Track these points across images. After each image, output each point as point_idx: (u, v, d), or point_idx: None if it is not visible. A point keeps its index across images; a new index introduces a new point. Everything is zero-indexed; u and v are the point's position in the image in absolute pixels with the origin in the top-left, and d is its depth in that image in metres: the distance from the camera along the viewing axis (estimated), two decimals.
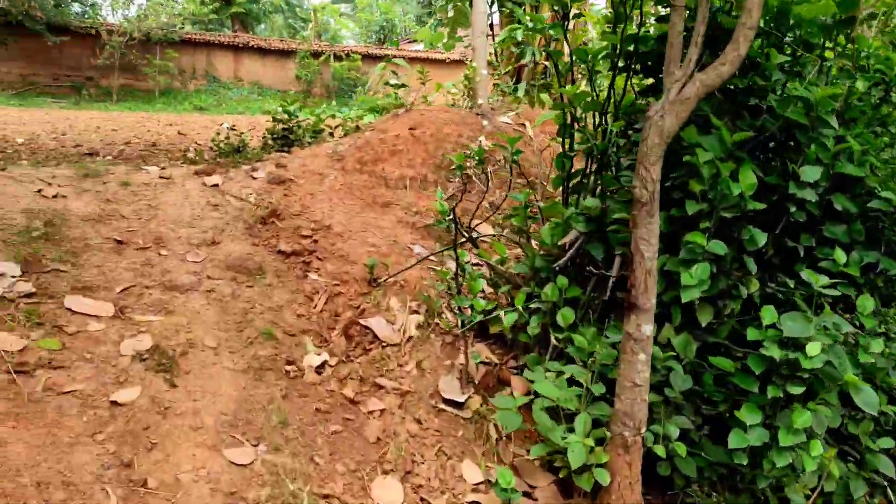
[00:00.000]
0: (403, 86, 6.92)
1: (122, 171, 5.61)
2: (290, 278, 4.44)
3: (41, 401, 3.05)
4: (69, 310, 3.70)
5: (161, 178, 5.48)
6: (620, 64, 3.76)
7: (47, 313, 3.62)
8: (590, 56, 3.79)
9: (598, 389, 2.97)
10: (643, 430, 2.78)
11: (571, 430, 2.91)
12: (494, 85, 7.48)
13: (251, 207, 5.08)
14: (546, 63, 7.41)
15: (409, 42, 31.30)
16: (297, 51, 27.93)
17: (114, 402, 3.15)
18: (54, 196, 4.81)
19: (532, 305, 3.76)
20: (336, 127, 7.10)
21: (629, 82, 3.77)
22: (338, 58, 27.67)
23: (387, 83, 6.97)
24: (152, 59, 25.58)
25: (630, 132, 3.82)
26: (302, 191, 5.30)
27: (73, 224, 4.49)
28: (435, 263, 4.73)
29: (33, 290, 3.75)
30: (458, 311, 3.69)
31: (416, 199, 5.29)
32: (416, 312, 4.17)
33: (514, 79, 8.02)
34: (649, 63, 3.81)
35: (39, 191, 4.81)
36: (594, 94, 3.90)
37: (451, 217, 3.76)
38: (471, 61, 6.72)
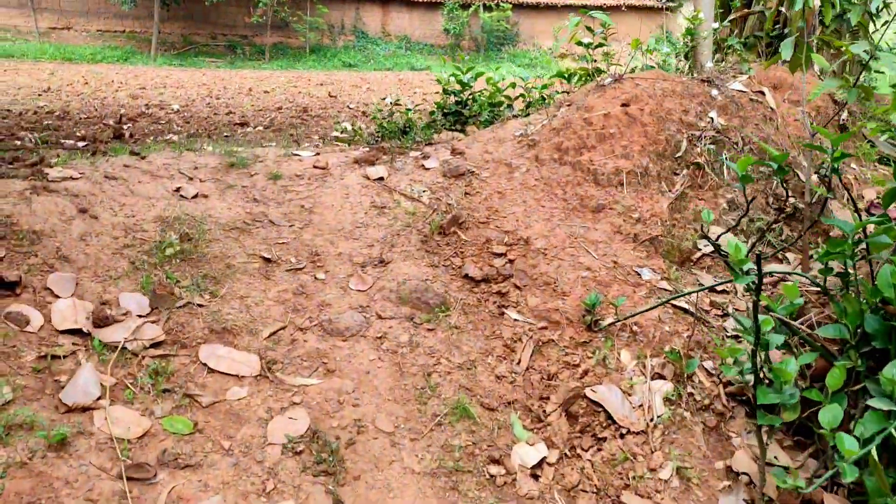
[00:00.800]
0: (600, 45, 5.57)
1: (271, 159, 4.73)
2: (483, 316, 3.35)
3: None
4: (205, 366, 2.81)
5: (315, 167, 4.54)
6: None
7: (178, 372, 2.75)
8: None
9: None
10: None
11: None
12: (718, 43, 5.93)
13: (425, 210, 4.02)
14: (784, 10, 5.78)
15: None
16: (445, 2, 26.77)
17: None
18: (194, 196, 3.97)
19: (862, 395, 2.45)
20: (516, 98, 5.89)
21: None
22: (487, 8, 26.30)
23: (578, 42, 5.64)
24: (303, 16, 25.41)
25: None
26: (487, 188, 4.17)
27: (214, 236, 3.62)
28: (667, 290, 3.48)
29: (163, 335, 2.89)
30: (758, 410, 2.43)
31: (635, 200, 4.02)
32: (661, 376, 2.96)
33: (737, 31, 6.42)
34: None
35: (178, 189, 3.99)
36: None
37: (752, 267, 2.41)
38: (696, 11, 5.24)
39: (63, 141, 6.45)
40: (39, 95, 12.35)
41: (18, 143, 6.37)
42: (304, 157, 4.83)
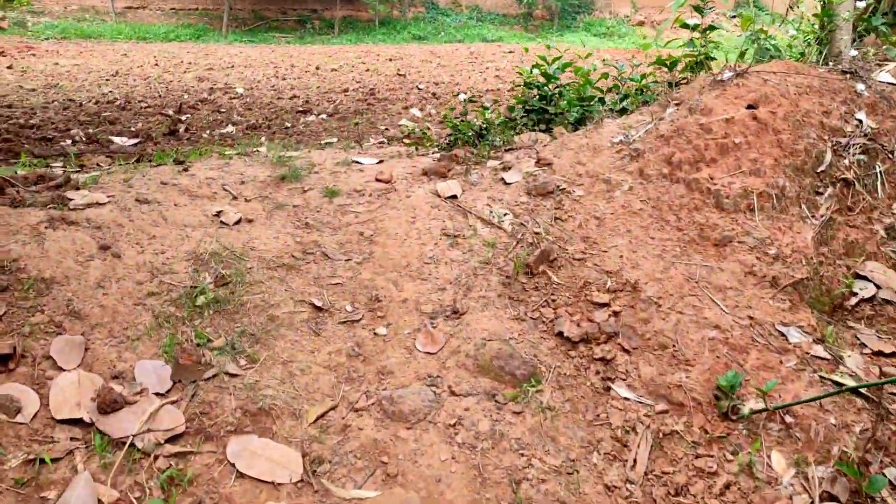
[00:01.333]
0: (712, 27, 4.70)
1: (328, 168, 4.12)
2: (583, 392, 2.65)
3: None
4: (233, 466, 2.22)
5: (378, 181, 3.90)
6: None
7: (199, 478, 2.16)
8: None
9: None
10: None
11: None
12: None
13: (507, 241, 3.33)
14: None
15: None
16: None
17: None
18: (236, 223, 3.39)
19: None
20: (608, 91, 5.07)
21: None
22: None
23: (683, 25, 4.79)
24: None
25: None
26: (582, 210, 3.44)
27: (256, 277, 3.02)
28: (828, 365, 2.70)
29: (183, 425, 2.31)
30: None
31: (771, 230, 3.21)
32: (831, 497, 2.21)
33: (872, 8, 5.39)
34: None
35: (218, 214, 3.42)
36: None
37: None
38: None
39: (113, 139, 6.01)
40: (107, 80, 12.14)
41: (68, 141, 5.97)
42: (365, 166, 4.20)
